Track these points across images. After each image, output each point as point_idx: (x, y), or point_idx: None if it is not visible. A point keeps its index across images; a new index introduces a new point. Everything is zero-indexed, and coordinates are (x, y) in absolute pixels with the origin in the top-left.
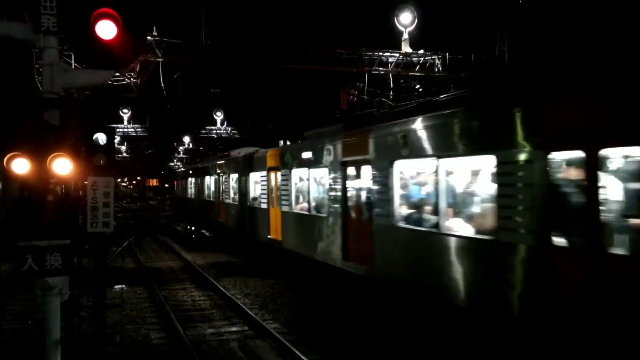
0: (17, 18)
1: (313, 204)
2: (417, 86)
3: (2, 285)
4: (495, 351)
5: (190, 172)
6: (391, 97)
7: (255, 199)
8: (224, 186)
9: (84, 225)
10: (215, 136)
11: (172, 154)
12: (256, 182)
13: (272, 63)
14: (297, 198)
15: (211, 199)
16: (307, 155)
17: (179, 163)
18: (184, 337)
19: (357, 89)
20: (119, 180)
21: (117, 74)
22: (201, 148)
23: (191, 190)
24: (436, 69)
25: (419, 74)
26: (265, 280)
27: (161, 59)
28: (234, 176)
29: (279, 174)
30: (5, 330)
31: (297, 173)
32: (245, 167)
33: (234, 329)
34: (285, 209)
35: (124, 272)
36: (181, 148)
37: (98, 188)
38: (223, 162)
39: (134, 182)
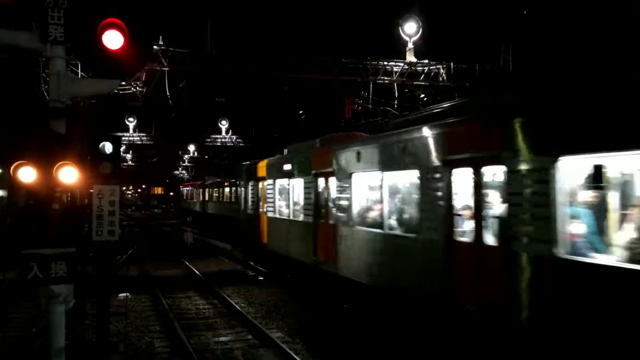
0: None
1: None
2: (422, 95)
3: (7, 293)
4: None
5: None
6: (396, 106)
7: None
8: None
9: (90, 234)
10: (220, 145)
11: (177, 162)
12: None
13: (277, 72)
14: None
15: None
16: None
17: (184, 171)
18: (187, 346)
19: (362, 98)
20: (123, 188)
21: (123, 82)
22: (206, 157)
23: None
24: (441, 79)
25: (423, 83)
26: (270, 289)
27: (167, 68)
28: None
29: None
30: (9, 338)
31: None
32: None
33: (237, 337)
34: None
35: (128, 280)
36: (186, 156)
37: (104, 196)
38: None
39: (138, 190)
